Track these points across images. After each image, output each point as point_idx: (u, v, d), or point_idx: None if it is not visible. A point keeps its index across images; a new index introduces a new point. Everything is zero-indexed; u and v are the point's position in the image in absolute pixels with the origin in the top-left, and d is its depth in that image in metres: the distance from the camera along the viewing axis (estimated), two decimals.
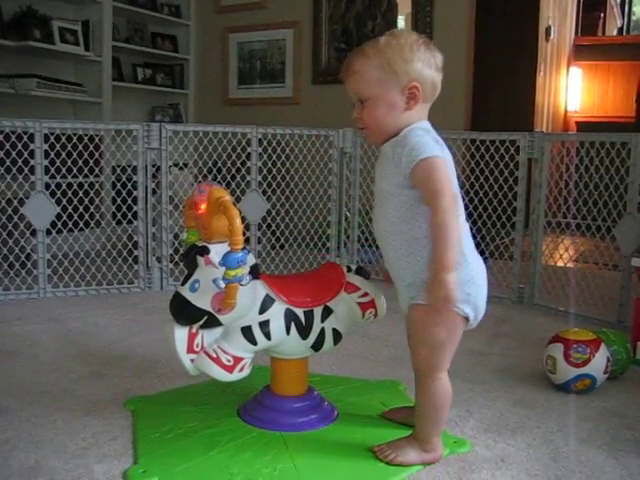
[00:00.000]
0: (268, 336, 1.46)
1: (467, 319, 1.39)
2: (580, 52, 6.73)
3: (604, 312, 2.57)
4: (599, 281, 2.72)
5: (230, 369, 1.45)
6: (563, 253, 2.88)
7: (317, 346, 1.51)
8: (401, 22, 4.42)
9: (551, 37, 5.61)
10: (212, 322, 1.42)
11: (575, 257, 3.39)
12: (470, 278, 1.36)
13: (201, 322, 1.41)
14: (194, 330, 1.43)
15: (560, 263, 2.92)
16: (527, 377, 1.97)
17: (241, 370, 1.46)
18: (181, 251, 1.48)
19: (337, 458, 1.41)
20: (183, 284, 1.43)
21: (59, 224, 2.84)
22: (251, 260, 1.43)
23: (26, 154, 2.74)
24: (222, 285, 1.35)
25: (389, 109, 1.38)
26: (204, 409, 1.64)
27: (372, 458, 1.42)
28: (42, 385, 1.82)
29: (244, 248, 1.35)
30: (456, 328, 1.39)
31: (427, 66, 1.38)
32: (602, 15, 7.50)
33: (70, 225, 2.90)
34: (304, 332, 1.49)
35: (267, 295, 1.47)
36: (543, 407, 1.75)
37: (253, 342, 1.46)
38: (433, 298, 1.28)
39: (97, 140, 3.12)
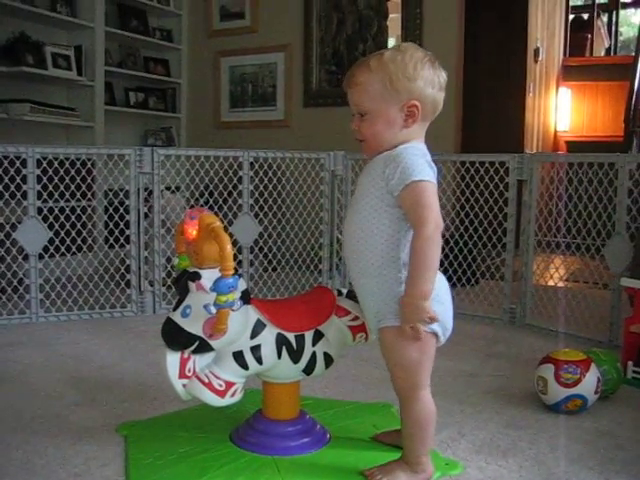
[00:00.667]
0: (260, 361, 1.47)
1: (436, 335, 1.40)
2: (569, 72, 6.81)
3: (595, 331, 2.59)
4: (589, 300, 2.74)
5: (222, 394, 1.45)
6: (554, 272, 2.90)
7: (308, 370, 1.52)
8: (391, 44, 4.47)
9: (540, 58, 5.68)
10: (204, 347, 1.42)
11: (566, 276, 3.41)
12: (435, 297, 1.35)
13: (193, 347, 1.42)
14: (186, 355, 1.44)
15: (551, 282, 2.94)
16: (518, 398, 1.98)
17: (233, 395, 1.47)
18: (173, 276, 1.49)
19: None
20: (175, 309, 1.44)
21: (51, 248, 2.84)
22: (242, 285, 1.44)
23: (19, 179, 2.75)
24: (213, 311, 1.36)
25: (387, 125, 1.39)
26: (196, 434, 1.64)
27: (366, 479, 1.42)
28: (33, 411, 1.82)
29: (235, 273, 1.36)
30: (427, 345, 1.39)
31: (429, 85, 1.39)
32: (590, 36, 7.60)
33: (62, 249, 2.90)
34: (295, 356, 1.49)
35: (258, 320, 1.47)
36: (534, 428, 1.75)
37: (245, 367, 1.46)
38: (406, 323, 1.30)
39: (89, 164, 3.14)
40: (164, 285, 3.02)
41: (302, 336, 1.50)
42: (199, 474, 1.43)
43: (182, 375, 1.44)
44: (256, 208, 3.17)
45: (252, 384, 1.58)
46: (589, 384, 1.82)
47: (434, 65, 1.41)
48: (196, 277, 1.40)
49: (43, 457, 1.54)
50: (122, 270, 3.08)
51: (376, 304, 1.41)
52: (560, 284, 3.01)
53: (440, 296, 1.39)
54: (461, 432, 1.72)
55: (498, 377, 2.19)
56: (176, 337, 1.42)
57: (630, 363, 2.15)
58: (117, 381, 2.09)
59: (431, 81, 1.39)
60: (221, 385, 1.45)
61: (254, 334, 1.46)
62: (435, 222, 1.31)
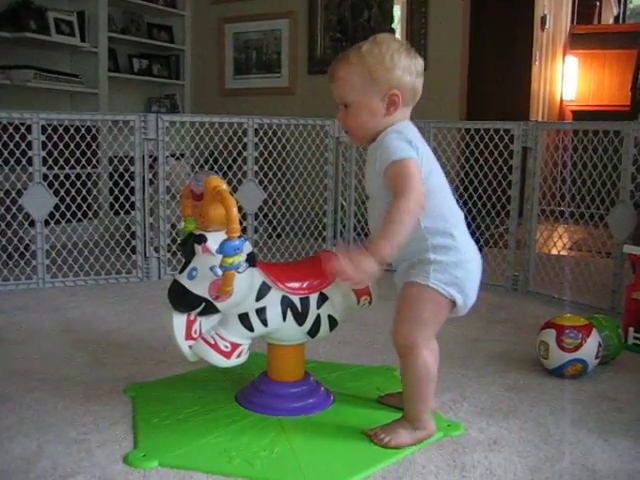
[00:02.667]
0: (265, 323, 1.49)
1: (454, 303, 1.43)
2: (576, 41, 6.74)
3: (597, 299, 2.61)
4: (592, 268, 2.75)
5: (228, 355, 1.47)
6: (557, 241, 2.91)
7: (313, 332, 1.54)
8: (397, 12, 4.43)
9: (547, 26, 5.62)
10: (210, 309, 1.44)
11: (569, 245, 3.41)
12: (459, 262, 1.41)
13: (199, 309, 1.44)
14: (192, 317, 1.46)
15: (554, 251, 2.95)
16: (520, 362, 2.00)
17: (238, 356, 1.49)
18: (179, 240, 1.50)
19: (333, 441, 1.44)
20: (181, 272, 1.45)
21: (57, 215, 2.86)
22: (248, 248, 1.45)
23: (24, 145, 2.75)
24: (219, 272, 1.38)
25: (370, 115, 1.44)
26: (202, 395, 1.67)
27: (368, 440, 1.45)
28: (43, 373, 1.85)
29: (241, 236, 1.37)
30: (440, 309, 1.44)
31: (407, 73, 1.43)
32: (598, 3, 7.50)
33: (68, 216, 2.92)
34: (300, 318, 1.51)
35: (264, 282, 1.49)
36: (536, 391, 1.78)
37: (250, 329, 1.48)
38: (348, 264, 1.30)
39: (94, 131, 3.14)
40: (169, 251, 3.04)
41: (307, 298, 1.51)
42: (205, 433, 1.46)
43: (188, 336, 1.46)
44: (260, 175, 3.18)
45: (257, 347, 1.61)
46: (590, 349, 1.84)
47: (410, 53, 1.45)
48: (202, 240, 1.41)
49: (53, 416, 1.57)
50: (127, 236, 3.10)
51: (407, 263, 1.45)
52: (563, 252, 3.02)
53: (465, 263, 1.42)
54: (463, 395, 1.75)
55: (501, 342, 2.21)
56: (182, 299, 1.44)
57: (631, 329, 2.16)
58: (124, 344, 2.12)
59: (408, 69, 1.43)
60: (227, 346, 1.47)
61: (259, 296, 1.48)
62: (414, 198, 1.34)
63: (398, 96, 1.43)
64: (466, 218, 3.09)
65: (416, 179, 1.36)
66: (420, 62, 1.46)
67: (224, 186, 1.41)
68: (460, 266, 1.41)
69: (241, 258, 1.38)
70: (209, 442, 1.43)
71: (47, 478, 1.29)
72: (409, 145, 1.39)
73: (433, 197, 1.41)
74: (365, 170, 1.53)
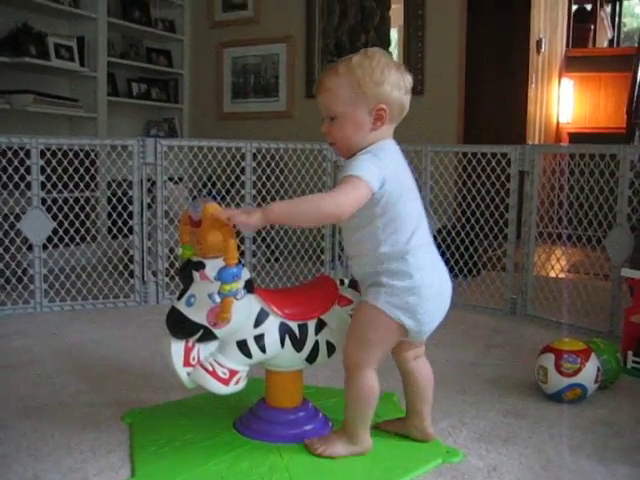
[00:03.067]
0: (263, 349, 1.48)
1: (405, 328, 1.44)
2: (571, 64, 6.80)
3: (596, 322, 2.60)
4: (590, 291, 2.75)
5: (226, 382, 1.47)
6: (555, 264, 2.92)
7: (311, 358, 1.54)
8: (394, 35, 4.47)
9: (542, 50, 5.68)
10: (208, 336, 1.44)
11: (567, 267, 3.42)
12: (412, 288, 1.41)
13: (197, 336, 1.44)
14: (190, 344, 1.46)
15: (552, 274, 2.95)
16: (519, 387, 1.99)
17: (237, 383, 1.48)
18: (177, 266, 1.51)
19: (332, 469, 1.43)
20: (179, 299, 1.45)
21: (55, 239, 2.86)
22: (246, 274, 1.46)
23: (22, 170, 2.76)
24: (217, 300, 1.38)
25: (356, 128, 1.43)
26: (200, 421, 1.66)
27: (367, 468, 1.44)
28: (40, 399, 1.84)
29: (238, 263, 1.38)
30: (389, 332, 1.45)
31: (396, 89, 1.42)
32: (593, 27, 7.58)
33: (66, 239, 2.92)
34: (298, 345, 1.51)
35: (262, 309, 1.49)
36: (535, 417, 1.77)
37: (248, 355, 1.48)
38: (244, 212, 1.35)
39: (93, 155, 3.15)
40: (167, 275, 3.04)
41: (305, 325, 1.51)
42: (204, 461, 1.45)
43: (186, 363, 1.46)
44: (259, 199, 3.19)
45: (255, 373, 1.60)
46: (589, 373, 1.83)
47: (400, 69, 1.45)
48: (200, 266, 1.42)
49: (50, 444, 1.56)
50: (125, 260, 3.10)
51: (364, 281, 1.48)
52: (561, 275, 3.03)
53: (420, 290, 1.42)
54: (462, 420, 1.74)
55: (499, 366, 2.20)
56: (181, 326, 1.44)
57: (630, 353, 2.16)
58: (121, 370, 2.11)
59: (397, 84, 1.42)
60: (225, 373, 1.46)
61: (258, 323, 1.48)
62: (339, 203, 1.34)
63: (385, 111, 1.42)
64: (463, 242, 3.08)
65: (355, 197, 1.35)
66: (409, 78, 1.46)
67: (222, 213, 1.41)
68: (412, 292, 1.41)
69: (239, 285, 1.38)
70: (207, 470, 1.42)
71: None
72: (377, 171, 1.37)
73: (397, 224, 1.42)
74: None
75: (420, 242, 1.45)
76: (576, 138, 6.48)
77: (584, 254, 3.01)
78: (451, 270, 3.20)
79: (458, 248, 3.13)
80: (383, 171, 1.39)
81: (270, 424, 1.56)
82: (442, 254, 3.13)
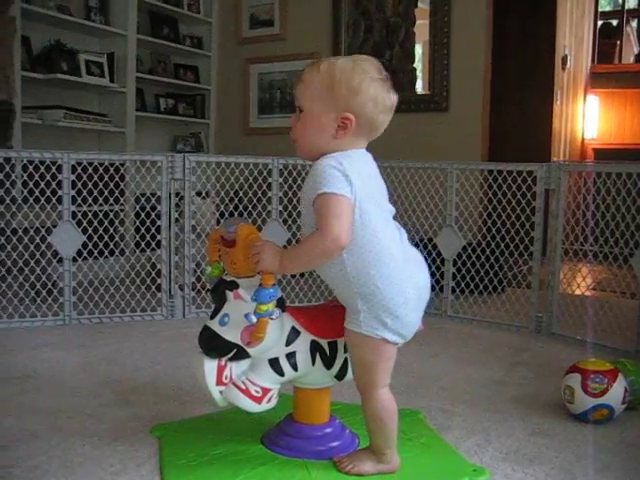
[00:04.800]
0: (295, 367, 1.50)
1: (390, 341, 1.44)
2: (597, 80, 6.77)
3: (622, 341, 2.59)
4: (617, 310, 2.74)
5: (259, 400, 1.49)
6: (581, 281, 2.90)
7: (340, 375, 1.55)
8: (418, 50, 4.49)
9: (567, 66, 5.66)
10: (241, 355, 1.46)
11: (593, 285, 3.40)
12: (386, 308, 1.39)
13: (230, 355, 1.46)
14: (223, 363, 1.48)
15: (578, 291, 2.94)
16: (545, 406, 1.99)
17: (269, 401, 1.50)
18: (207, 286, 1.53)
19: None
20: (212, 318, 1.48)
21: (85, 252, 2.91)
22: (278, 293, 1.48)
23: (54, 184, 2.82)
24: (254, 320, 1.39)
25: (317, 130, 1.39)
26: (228, 436, 1.68)
27: None
28: (70, 411, 1.87)
29: (274, 284, 1.40)
30: (381, 349, 1.44)
31: (372, 103, 1.37)
32: (619, 43, 7.54)
33: (95, 253, 2.97)
34: (328, 362, 1.52)
35: (293, 327, 1.51)
36: (561, 437, 1.77)
37: (280, 373, 1.50)
38: (257, 257, 1.38)
39: (122, 170, 3.20)
40: (193, 289, 3.07)
41: (335, 342, 1.53)
42: (232, 475, 1.47)
43: (219, 382, 1.47)
44: (285, 214, 3.21)
45: (282, 389, 1.62)
46: (616, 394, 1.83)
47: (385, 85, 1.40)
48: (234, 286, 1.45)
49: (81, 456, 1.58)
50: (153, 274, 3.14)
51: (343, 302, 1.47)
52: (587, 293, 3.01)
53: (395, 310, 1.40)
54: (488, 439, 1.74)
55: (524, 385, 2.20)
56: (214, 345, 1.46)
57: None
58: (149, 383, 2.14)
59: (374, 100, 1.37)
60: (258, 391, 1.48)
61: (289, 341, 1.50)
62: (334, 237, 1.31)
63: (351, 122, 1.37)
64: (488, 259, 3.07)
65: (342, 219, 1.32)
66: (392, 98, 1.41)
67: (257, 234, 1.45)
68: (387, 313, 1.39)
69: (274, 305, 1.40)
70: None
71: None
72: (344, 179, 1.33)
73: (362, 243, 1.37)
74: (300, 196, 1.47)
75: (389, 255, 1.40)
76: (601, 154, 6.44)
77: (610, 272, 3.00)
78: (476, 287, 3.21)
79: (483, 265, 3.13)
80: (348, 177, 1.34)
81: (298, 440, 1.58)
82: (467, 271, 3.14)
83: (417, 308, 1.46)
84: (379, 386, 1.46)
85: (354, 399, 1.98)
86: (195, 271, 3.09)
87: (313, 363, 1.51)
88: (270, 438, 1.63)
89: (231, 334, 1.44)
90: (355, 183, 1.35)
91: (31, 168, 2.81)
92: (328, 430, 1.60)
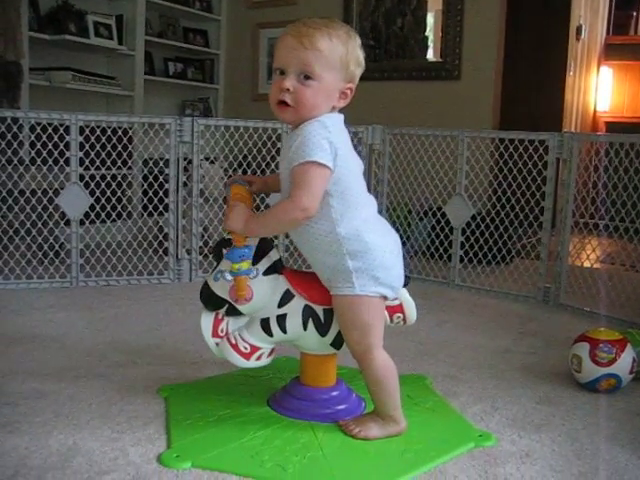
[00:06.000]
0: (284, 330, 1.51)
1: (385, 297, 1.49)
2: (611, 51, 6.66)
3: (631, 313, 2.57)
4: (626, 282, 2.72)
5: (247, 356, 1.52)
6: (590, 253, 2.88)
7: (337, 344, 1.54)
8: (430, 19, 4.43)
9: (582, 36, 5.57)
10: (233, 311, 1.50)
11: (602, 258, 3.38)
12: (378, 264, 1.44)
13: (224, 310, 1.50)
14: (220, 317, 1.52)
15: (587, 263, 2.92)
16: (552, 375, 1.98)
17: (258, 359, 1.53)
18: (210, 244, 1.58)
19: (365, 449, 1.45)
20: (212, 273, 1.52)
21: (92, 215, 2.90)
22: (275, 255, 1.52)
23: (62, 146, 2.80)
24: (228, 277, 1.45)
25: (327, 97, 1.42)
26: (235, 398, 1.68)
27: (400, 450, 1.45)
28: (77, 370, 1.88)
29: (261, 244, 1.46)
30: (376, 308, 1.48)
31: (359, 75, 1.47)
32: (635, 14, 7.41)
33: (103, 216, 2.96)
34: (322, 329, 1.52)
35: (287, 290, 1.51)
36: (568, 405, 1.76)
37: (269, 334, 1.51)
38: (227, 220, 1.42)
39: (130, 133, 3.18)
40: (201, 254, 3.07)
41: (331, 310, 1.51)
42: (238, 436, 1.48)
43: (215, 334, 1.53)
44: None
45: (289, 352, 1.62)
46: (624, 364, 1.82)
47: None
48: (228, 244, 1.48)
49: (88, 413, 1.59)
50: (160, 238, 3.13)
51: (326, 274, 1.48)
52: (596, 265, 2.99)
53: (382, 262, 1.45)
54: (494, 406, 1.74)
55: (532, 354, 2.19)
56: (208, 299, 1.51)
57: None
58: (156, 345, 2.15)
59: (362, 70, 1.47)
60: (246, 348, 1.51)
61: (282, 303, 1.51)
62: (304, 206, 1.36)
63: (352, 91, 1.45)
64: (497, 229, 3.06)
65: (316, 190, 1.37)
66: None
67: (244, 194, 1.48)
68: (379, 266, 1.44)
69: (249, 264, 1.43)
70: (242, 445, 1.44)
71: (83, 475, 1.31)
72: (329, 147, 1.37)
73: (349, 200, 1.43)
74: (280, 158, 1.52)
75: (369, 214, 1.48)
76: (613, 127, 6.36)
77: (620, 245, 2.98)
78: (484, 257, 3.19)
79: (492, 235, 3.11)
80: (333, 144, 1.38)
81: (304, 402, 1.58)
82: (476, 241, 3.13)
83: (399, 259, 1.51)
84: (377, 346, 1.48)
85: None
86: (202, 235, 3.08)
87: (305, 328, 1.51)
88: (277, 400, 1.63)
89: (222, 290, 1.48)
90: (339, 147, 1.39)
91: (39, 129, 2.79)
92: (335, 393, 1.60)
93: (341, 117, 1.47)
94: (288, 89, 1.39)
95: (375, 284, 1.45)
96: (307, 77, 1.39)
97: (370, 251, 1.43)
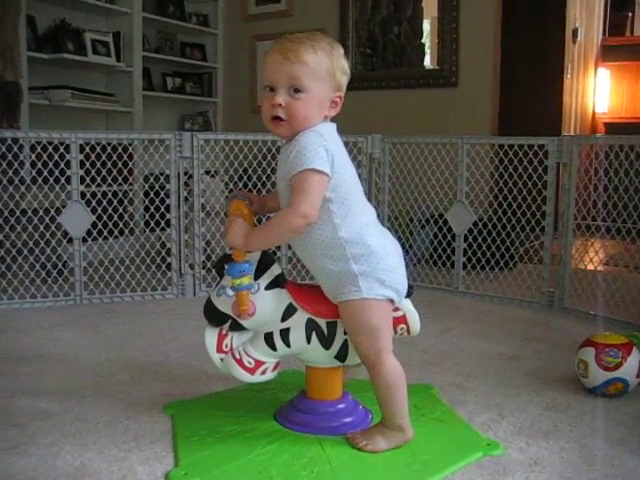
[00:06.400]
0: (288, 344, 1.51)
1: (392, 300, 1.50)
2: (608, 53, 6.67)
3: (635, 315, 2.57)
4: (630, 284, 2.72)
5: (252, 371, 1.52)
6: (593, 256, 2.88)
7: (341, 357, 1.54)
8: (426, 26, 4.44)
9: (578, 39, 5.58)
10: (237, 326, 1.50)
11: (605, 260, 3.38)
12: (382, 266, 1.46)
13: (227, 325, 1.50)
14: (224, 332, 1.52)
15: (590, 266, 2.92)
16: (559, 381, 1.98)
17: (263, 373, 1.53)
18: (213, 259, 1.58)
19: (373, 461, 1.44)
20: (215, 289, 1.53)
21: (94, 232, 2.90)
22: (277, 269, 1.51)
23: (62, 164, 2.81)
24: (230, 293, 1.45)
25: (319, 107, 1.45)
26: (241, 413, 1.68)
27: (408, 461, 1.44)
28: (83, 389, 1.88)
29: (262, 259, 1.46)
30: (384, 311, 1.49)
31: (346, 82, 1.50)
32: (630, 15, 7.42)
33: (105, 233, 2.97)
34: (326, 342, 1.52)
35: (290, 304, 1.51)
36: (575, 411, 1.76)
37: (273, 348, 1.52)
38: (227, 236, 1.43)
39: (130, 149, 3.19)
40: (204, 268, 3.07)
41: (334, 323, 1.52)
42: (246, 452, 1.47)
43: (219, 350, 1.53)
44: None
45: (296, 365, 1.62)
46: (630, 368, 1.81)
47: None
48: (229, 259, 1.47)
49: (95, 433, 1.59)
50: (163, 253, 3.14)
51: (331, 280, 1.49)
52: (599, 268, 2.99)
53: (386, 265, 1.47)
54: (502, 414, 1.73)
55: (538, 360, 2.19)
56: (212, 314, 1.51)
57: None
58: (161, 361, 2.15)
59: (347, 80, 1.50)
60: (250, 363, 1.51)
61: (285, 317, 1.51)
62: (304, 213, 1.38)
63: (341, 99, 1.49)
64: (499, 235, 3.06)
65: (315, 197, 1.39)
66: None
67: (244, 211, 1.47)
68: (383, 269, 1.46)
69: (249, 280, 1.43)
70: (249, 461, 1.43)
71: None
72: (325, 154, 1.40)
73: (349, 205, 1.45)
74: (277, 174, 1.53)
75: (371, 220, 1.51)
76: (612, 128, 6.37)
77: (623, 246, 2.97)
78: (487, 263, 3.19)
79: (494, 241, 3.11)
80: (330, 151, 1.41)
81: (311, 416, 1.57)
82: (478, 247, 3.13)
83: (401, 263, 1.53)
84: (387, 351, 1.48)
85: (366, 375, 1.98)
86: (205, 250, 3.09)
87: (308, 342, 1.51)
88: (283, 414, 1.63)
89: (224, 305, 1.48)
90: (335, 154, 1.42)
91: (39, 148, 2.80)
92: (341, 406, 1.60)
93: (334, 126, 1.50)
94: (280, 104, 1.43)
95: (381, 287, 1.46)
96: (297, 90, 1.43)
97: (374, 254, 1.45)
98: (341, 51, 1.48)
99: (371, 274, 1.45)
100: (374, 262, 1.45)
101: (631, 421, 1.69)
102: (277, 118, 1.44)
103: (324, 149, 1.40)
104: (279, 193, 1.52)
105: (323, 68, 1.43)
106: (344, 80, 1.48)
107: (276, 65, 1.43)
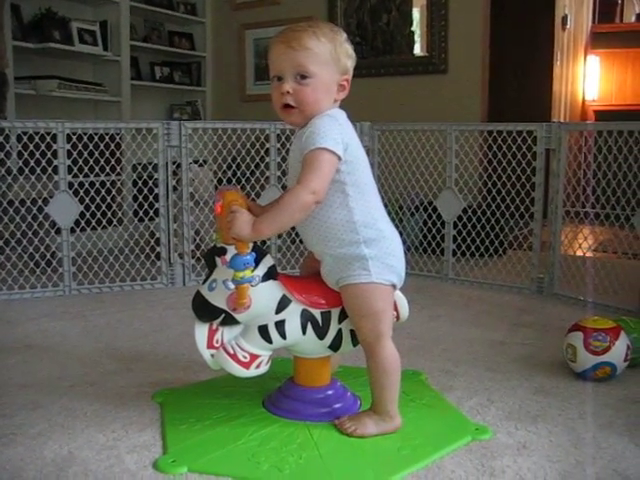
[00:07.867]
0: (283, 335, 1.50)
1: (394, 286, 1.52)
2: (597, 40, 6.67)
3: (624, 300, 2.58)
4: (619, 270, 2.72)
5: (246, 365, 1.49)
6: (582, 242, 2.88)
7: (335, 347, 1.54)
8: (416, 14, 4.42)
9: (567, 26, 5.58)
10: (229, 320, 1.47)
11: (594, 246, 3.38)
12: (390, 251, 1.49)
13: (219, 320, 1.47)
14: (214, 327, 1.49)
15: (579, 252, 2.92)
16: (547, 366, 1.99)
17: (258, 367, 1.50)
18: (202, 249, 1.55)
19: (362, 447, 1.44)
20: (204, 283, 1.49)
21: (82, 222, 2.89)
22: (269, 261, 1.49)
23: (49, 154, 2.79)
24: (231, 286, 1.40)
25: (327, 93, 1.46)
26: (229, 401, 1.68)
27: (396, 446, 1.44)
28: (71, 379, 1.87)
29: (257, 250, 1.41)
30: (388, 296, 1.51)
31: (352, 67, 1.51)
32: (620, 2, 7.42)
33: (93, 223, 2.95)
34: (320, 332, 1.51)
35: (284, 296, 1.50)
36: (564, 395, 1.76)
37: (269, 341, 1.50)
38: (234, 229, 1.37)
39: (118, 139, 3.17)
40: (193, 257, 3.06)
41: (328, 313, 1.51)
42: (234, 439, 1.47)
43: (210, 345, 1.49)
44: (283, 180, 3.18)
45: (283, 353, 1.61)
46: (618, 352, 1.82)
47: None
48: (221, 252, 1.45)
49: (83, 422, 1.58)
50: (152, 243, 3.12)
51: (338, 264, 1.49)
52: (589, 254, 2.99)
53: (394, 251, 1.50)
54: (490, 398, 1.74)
55: (527, 345, 2.19)
56: (203, 310, 1.47)
57: None
58: (150, 351, 2.14)
59: (353, 63, 1.50)
60: (245, 357, 1.49)
61: (279, 309, 1.49)
62: (315, 189, 1.38)
63: (349, 82, 1.49)
64: (488, 221, 3.08)
65: (325, 175, 1.39)
66: None
67: (239, 201, 1.43)
68: (392, 255, 1.49)
69: (252, 272, 1.40)
70: (237, 448, 1.43)
71: None
72: (340, 137, 1.41)
73: (363, 188, 1.47)
74: (290, 154, 1.53)
75: (380, 208, 1.53)
76: (602, 116, 6.37)
77: (612, 233, 2.98)
78: (477, 250, 3.20)
79: (484, 227, 3.11)
80: (344, 135, 1.42)
81: (299, 403, 1.57)
82: (468, 234, 3.13)
83: (403, 257, 1.54)
84: (387, 336, 1.49)
85: (355, 361, 1.98)
86: (194, 239, 3.08)
87: (304, 333, 1.50)
88: (272, 401, 1.63)
89: (219, 299, 1.45)
90: (349, 137, 1.44)
91: (25, 139, 2.78)
92: (329, 392, 1.60)
93: (343, 112, 1.51)
94: (288, 92, 1.44)
95: (389, 272, 1.48)
96: (303, 77, 1.43)
97: (384, 239, 1.48)
98: (344, 36, 1.49)
99: (380, 259, 1.46)
100: (384, 247, 1.47)
101: (619, 404, 1.70)
102: (287, 106, 1.45)
103: (339, 132, 1.41)
104: (289, 180, 1.53)
105: (327, 53, 1.44)
106: (350, 63, 1.49)
107: (281, 55, 1.44)
